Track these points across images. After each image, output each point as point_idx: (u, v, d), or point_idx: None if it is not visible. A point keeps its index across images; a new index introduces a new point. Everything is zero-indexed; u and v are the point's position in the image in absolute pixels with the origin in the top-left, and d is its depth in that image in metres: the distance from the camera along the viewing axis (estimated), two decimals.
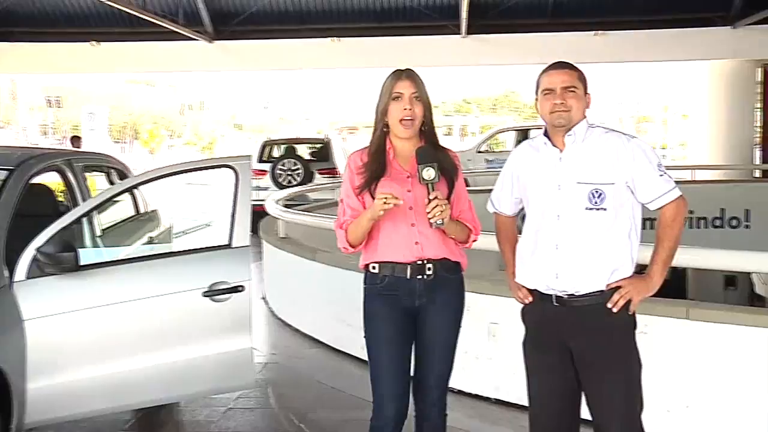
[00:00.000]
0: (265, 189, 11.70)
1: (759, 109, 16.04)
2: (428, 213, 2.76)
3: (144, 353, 3.56)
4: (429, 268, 2.92)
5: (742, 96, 15.80)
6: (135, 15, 13.88)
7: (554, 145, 2.75)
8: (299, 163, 12.86)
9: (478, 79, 53.97)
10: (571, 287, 2.68)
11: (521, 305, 2.90)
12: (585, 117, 2.74)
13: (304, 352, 5.81)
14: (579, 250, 2.67)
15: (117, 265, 3.66)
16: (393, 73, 2.98)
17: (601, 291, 2.67)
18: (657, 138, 38.57)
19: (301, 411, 4.63)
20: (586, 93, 2.75)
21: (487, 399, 4.61)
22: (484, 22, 14.99)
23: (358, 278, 5.45)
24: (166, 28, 14.52)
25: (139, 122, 46.74)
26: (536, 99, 2.80)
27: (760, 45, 14.77)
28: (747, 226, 11.53)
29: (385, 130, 2.98)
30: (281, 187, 11.71)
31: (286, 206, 7.54)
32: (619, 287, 2.66)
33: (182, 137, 49.44)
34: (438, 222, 2.77)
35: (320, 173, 12.43)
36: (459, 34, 15.21)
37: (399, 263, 2.93)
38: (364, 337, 3.05)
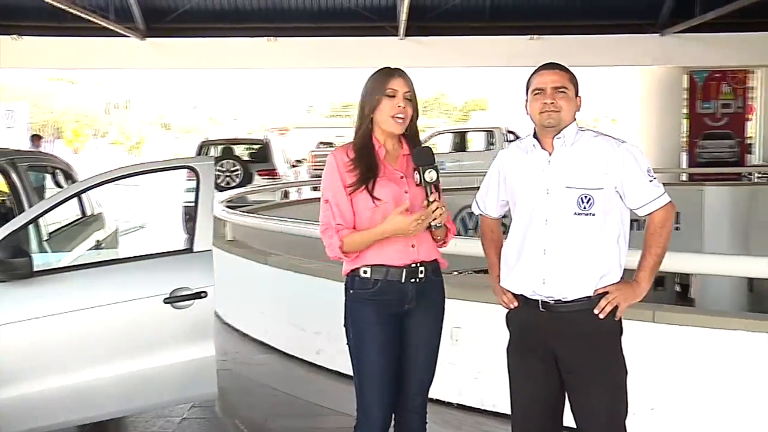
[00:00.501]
0: None
1: (685, 115, 16.56)
2: (432, 214, 2.70)
3: (103, 363, 3.39)
4: (421, 271, 2.85)
5: (670, 102, 16.26)
6: (62, 9, 13.36)
7: (543, 148, 2.71)
8: (238, 164, 12.63)
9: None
10: (558, 293, 2.65)
11: (505, 310, 2.86)
12: (575, 120, 2.72)
13: (255, 358, 5.67)
14: (567, 256, 2.64)
15: (72, 271, 3.47)
16: (383, 70, 2.89)
17: (589, 297, 2.64)
18: None
19: (258, 420, 4.51)
20: (576, 95, 2.72)
21: (449, 404, 4.57)
22: (422, 24, 15.02)
23: (311, 282, 5.42)
24: (96, 23, 14.05)
25: (61, 120, 45.22)
26: (526, 99, 2.76)
27: (686, 52, 15.26)
28: (677, 228, 11.87)
29: (369, 126, 2.89)
30: (220, 188, 11.47)
31: (228, 208, 7.35)
32: (605, 293, 2.64)
33: (108, 137, 48.05)
34: (438, 224, 2.72)
35: (260, 174, 12.23)
36: (397, 35, 15.22)
37: (393, 266, 2.83)
38: (349, 344, 2.96)
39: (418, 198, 2.79)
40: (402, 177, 2.85)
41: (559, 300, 2.66)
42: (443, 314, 2.98)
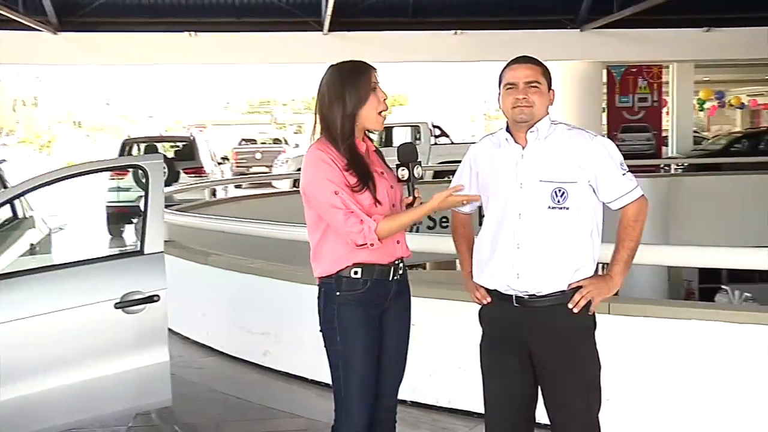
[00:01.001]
0: (127, 190, 11.08)
1: (604, 109, 17.03)
2: None
3: (51, 373, 3.22)
4: (401, 267, 2.81)
5: (589, 96, 16.69)
6: None
7: (516, 142, 2.69)
8: (164, 162, 12.25)
9: None
10: (533, 287, 2.64)
11: (478, 306, 2.83)
12: (548, 113, 2.70)
13: (199, 362, 5.49)
14: (541, 250, 2.62)
15: (16, 277, 3.27)
16: (361, 64, 2.78)
17: (563, 291, 2.63)
18: None
19: (210, 426, 4.36)
20: (550, 89, 2.71)
21: (403, 402, 4.51)
22: (346, 19, 14.94)
23: (256, 281, 5.29)
24: (3, 15, 13.39)
25: None
26: (499, 93, 2.74)
27: (604, 48, 15.69)
28: None
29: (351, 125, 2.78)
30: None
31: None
32: (579, 287, 2.64)
33: (15, 134, 46.05)
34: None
35: (186, 172, 11.91)
36: (321, 31, 15.10)
37: (382, 264, 2.75)
38: (334, 348, 2.82)
39: (399, 194, 2.74)
40: (382, 172, 2.79)
41: (533, 295, 2.64)
42: (410, 311, 2.93)
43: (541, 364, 2.68)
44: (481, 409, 3.93)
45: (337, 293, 2.76)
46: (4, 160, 13.70)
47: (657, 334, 3.71)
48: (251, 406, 4.64)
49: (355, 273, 2.72)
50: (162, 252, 3.47)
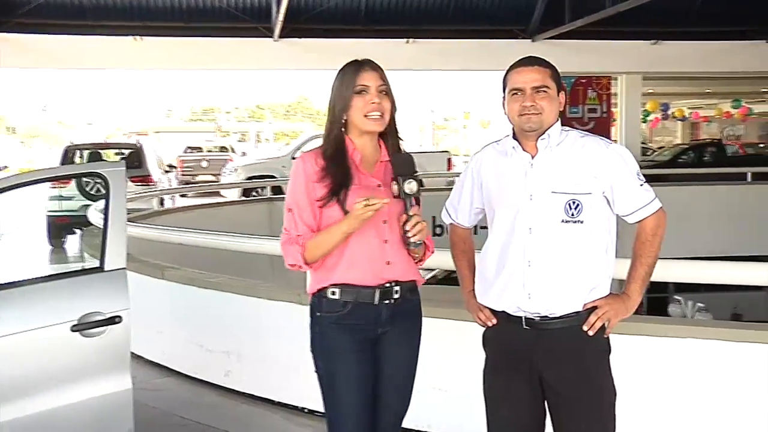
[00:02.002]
0: (70, 199, 10.59)
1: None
2: (408, 231, 2.42)
3: (1, 404, 2.87)
4: (396, 291, 2.55)
5: None
6: None
7: (524, 150, 2.49)
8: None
9: (271, 84, 53.47)
10: (545, 309, 2.42)
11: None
12: (558, 119, 2.51)
13: (155, 383, 5.14)
14: (554, 268, 2.41)
15: None
16: (352, 64, 2.59)
17: (577, 312, 2.43)
18: (458, 144, 40.42)
19: None
20: (560, 92, 2.51)
21: None
22: (296, 26, 14.69)
23: (217, 297, 4.99)
24: None
25: None
26: (503, 98, 2.53)
27: (555, 58, 15.29)
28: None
29: (342, 130, 2.58)
30: (89, 196, 10.64)
31: None
32: (594, 308, 2.43)
33: None
34: (418, 242, 2.43)
35: (133, 181, 11.43)
36: (271, 37, 14.81)
37: (365, 287, 2.51)
38: (317, 373, 2.61)
39: (396, 210, 2.49)
40: (379, 185, 2.55)
41: (546, 316, 2.43)
42: (420, 338, 2.69)
43: (554, 391, 2.46)
44: None
45: (318, 313, 2.60)
46: None
47: (637, 351, 3.51)
48: (212, 431, 4.33)
49: (333, 293, 2.54)
50: (124, 269, 3.16)
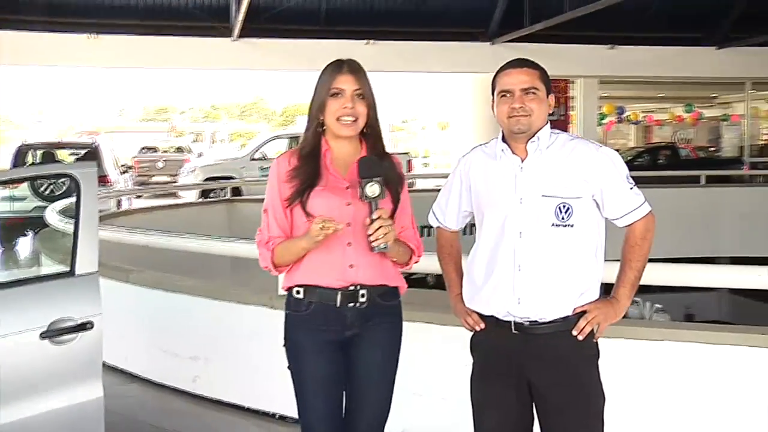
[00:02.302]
0: (23, 199, 10.31)
1: None
2: (370, 236, 2.38)
3: None
4: (363, 295, 2.52)
5: None
6: None
7: (514, 153, 2.46)
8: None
9: (227, 84, 52.92)
10: (535, 313, 2.40)
11: (470, 333, 2.58)
12: (548, 122, 2.49)
13: (119, 390, 4.99)
14: (545, 272, 2.39)
15: None
16: (332, 64, 2.57)
17: (566, 317, 2.41)
18: (418, 146, 40.49)
19: None
20: (549, 94, 2.49)
21: None
22: (255, 26, 14.55)
23: (184, 301, 4.88)
24: None
25: None
26: (492, 101, 2.51)
27: None
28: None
29: (319, 129, 2.56)
30: (43, 197, 10.36)
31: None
32: (584, 312, 2.42)
33: None
34: (381, 246, 2.39)
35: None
36: (230, 36, 14.64)
37: (327, 288, 2.50)
38: (289, 368, 2.63)
39: (362, 213, 2.46)
40: (347, 187, 2.52)
41: (535, 321, 2.41)
42: (399, 344, 2.66)
43: (543, 397, 2.44)
44: None
45: (287, 311, 2.65)
46: None
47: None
48: None
49: (297, 292, 2.58)
50: (96, 273, 3.06)
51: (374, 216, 2.39)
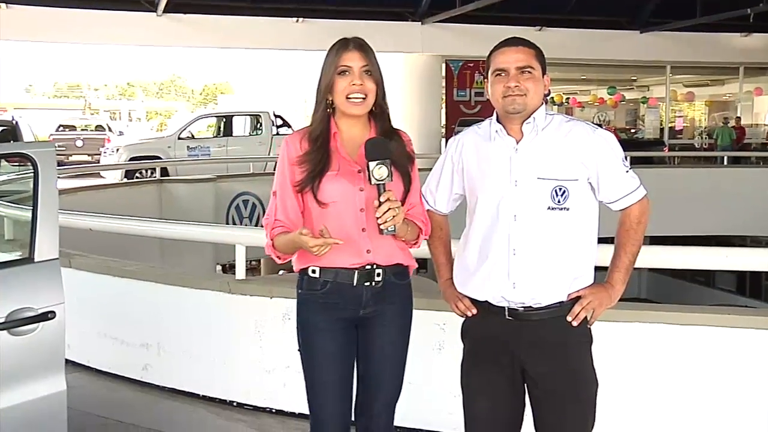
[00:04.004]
0: None
1: (443, 102, 17.34)
2: (378, 218, 2.31)
3: None
4: (378, 274, 2.48)
5: (429, 89, 16.91)
6: None
7: (509, 134, 2.41)
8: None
9: (143, 60, 51.39)
10: (530, 299, 2.37)
11: (462, 319, 2.53)
12: (544, 102, 2.45)
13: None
14: (540, 256, 2.36)
15: None
16: (337, 42, 2.50)
17: (561, 302, 2.39)
18: None
19: None
20: (544, 74, 2.44)
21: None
22: (182, 0, 14.15)
23: (132, 286, 4.69)
24: None
25: None
26: (485, 80, 2.46)
27: (444, 42, 15.97)
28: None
29: (328, 111, 2.48)
30: None
31: None
32: (578, 297, 2.40)
33: None
34: (390, 229, 2.32)
35: (9, 161, 10.61)
36: (154, 11, 14.18)
37: (343, 268, 2.47)
38: (299, 350, 2.57)
39: (373, 197, 2.39)
40: (359, 171, 2.45)
41: (530, 306, 2.38)
42: (410, 322, 2.62)
43: (536, 384, 2.42)
44: (428, 427, 3.72)
45: (299, 290, 2.61)
46: None
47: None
48: (136, 429, 4.07)
49: (314, 272, 2.53)
50: (57, 259, 2.89)
51: (382, 199, 2.33)
